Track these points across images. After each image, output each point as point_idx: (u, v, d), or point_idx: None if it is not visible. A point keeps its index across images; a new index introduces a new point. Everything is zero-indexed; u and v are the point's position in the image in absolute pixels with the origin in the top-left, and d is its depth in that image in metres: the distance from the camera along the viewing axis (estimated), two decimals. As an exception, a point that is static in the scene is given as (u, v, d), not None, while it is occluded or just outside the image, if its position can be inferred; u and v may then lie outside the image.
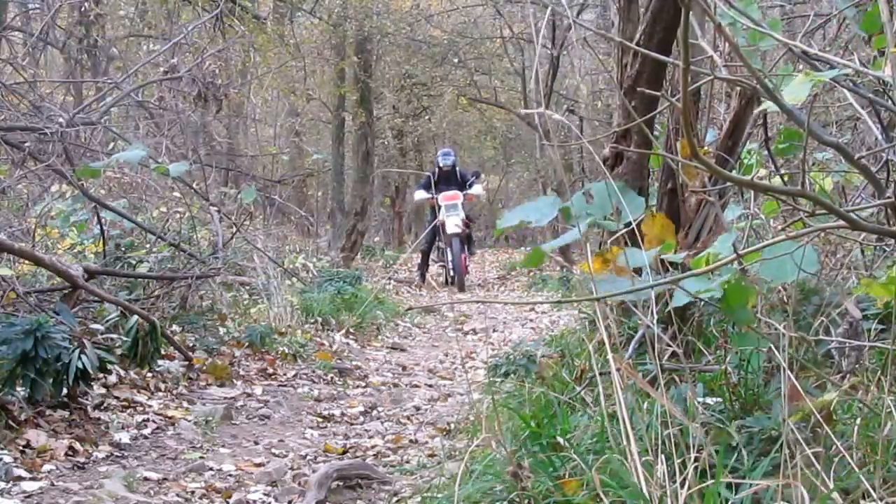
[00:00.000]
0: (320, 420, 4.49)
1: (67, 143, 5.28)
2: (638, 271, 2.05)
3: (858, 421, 2.05)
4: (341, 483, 3.29)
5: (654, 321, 2.12)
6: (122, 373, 4.31)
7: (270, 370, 5.36)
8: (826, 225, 1.89)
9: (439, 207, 11.39)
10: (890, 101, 2.48)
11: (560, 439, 2.48)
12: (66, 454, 3.30)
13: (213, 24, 8.35)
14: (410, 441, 4.06)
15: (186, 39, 7.23)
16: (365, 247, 13.38)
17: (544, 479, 2.32)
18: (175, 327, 5.37)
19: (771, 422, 2.19)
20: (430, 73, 15.26)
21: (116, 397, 4.09)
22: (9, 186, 5.57)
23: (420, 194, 12.07)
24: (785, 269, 1.99)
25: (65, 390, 3.67)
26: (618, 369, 2.06)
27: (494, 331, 7.87)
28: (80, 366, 3.60)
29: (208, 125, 10.14)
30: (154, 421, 3.95)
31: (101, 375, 4.02)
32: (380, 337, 7.39)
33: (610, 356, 2.07)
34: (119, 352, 4.34)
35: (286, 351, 5.75)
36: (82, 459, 3.33)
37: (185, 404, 4.30)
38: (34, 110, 5.62)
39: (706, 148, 3.05)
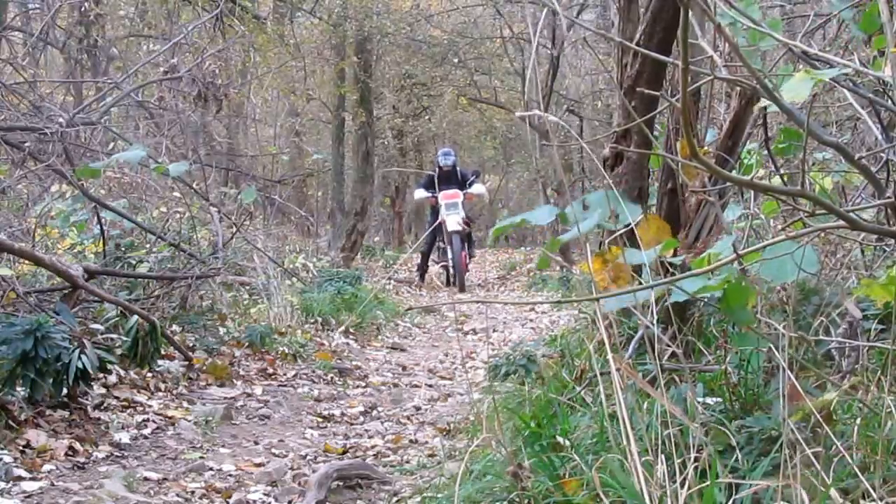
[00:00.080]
0: (320, 420, 4.49)
1: (67, 143, 5.28)
2: (637, 272, 2.05)
3: (858, 421, 2.05)
4: (341, 483, 3.29)
5: (654, 321, 2.12)
6: (122, 373, 4.31)
7: (270, 370, 5.36)
8: (826, 225, 1.89)
9: (439, 206, 11.39)
10: (890, 101, 2.48)
11: (560, 439, 2.48)
12: (66, 454, 3.30)
13: (213, 24, 8.35)
14: (410, 441, 4.06)
15: (186, 39, 7.23)
16: (365, 247, 13.38)
17: (544, 479, 2.32)
18: (175, 327, 5.37)
19: (771, 422, 2.19)
20: (430, 73, 15.26)
21: (116, 397, 4.09)
22: (9, 186, 5.57)
23: (420, 193, 12.06)
24: (785, 269, 1.99)
25: (65, 390, 3.67)
26: (618, 369, 2.06)
27: (494, 331, 7.87)
28: (80, 366, 3.60)
29: (208, 125, 10.14)
30: (154, 421, 3.95)
31: (101, 375, 4.02)
32: (380, 337, 7.39)
33: (610, 356, 2.07)
34: (119, 352, 4.34)
35: (286, 351, 5.75)
36: (82, 459, 3.33)
37: (185, 404, 4.30)
38: (34, 110, 5.62)
39: (706, 148, 3.05)
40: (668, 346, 2.61)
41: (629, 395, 2.13)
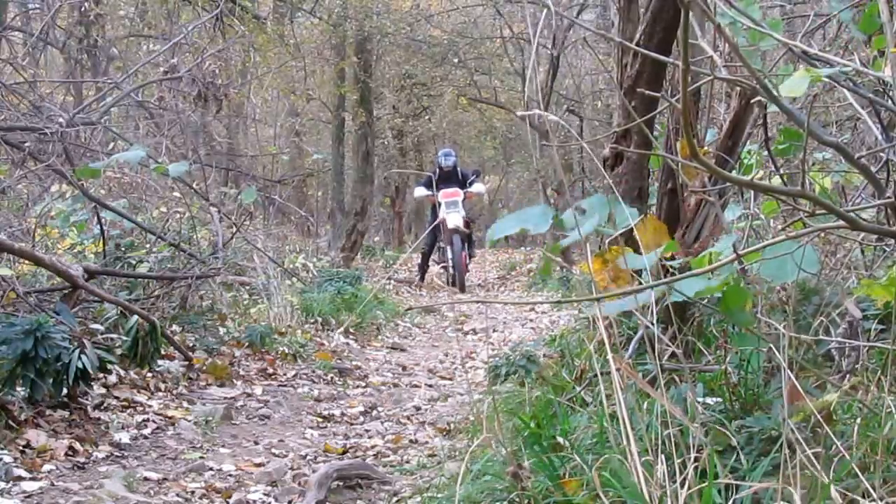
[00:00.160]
0: (320, 420, 4.49)
1: (67, 143, 5.28)
2: (637, 272, 2.05)
3: (858, 421, 2.05)
4: (341, 483, 3.29)
5: (654, 321, 2.12)
6: (122, 373, 4.31)
7: (270, 370, 5.36)
8: (826, 225, 1.89)
9: (439, 205, 11.38)
10: (890, 101, 2.48)
11: (560, 439, 2.48)
12: (66, 454, 3.30)
13: (213, 24, 8.35)
14: (410, 441, 4.06)
15: (186, 39, 7.23)
16: (365, 247, 13.38)
17: (544, 479, 2.32)
18: (175, 327, 5.37)
19: (771, 422, 2.19)
20: (430, 73, 15.26)
21: (116, 397, 4.09)
22: (9, 186, 5.57)
23: (420, 191, 12.04)
24: (785, 269, 1.99)
25: (65, 390, 3.67)
26: (618, 369, 2.05)
27: (494, 331, 7.87)
28: (80, 366, 3.60)
29: (208, 125, 10.14)
30: (154, 421, 3.95)
31: (101, 375, 4.02)
32: (380, 337, 7.39)
33: (610, 356, 2.07)
34: (119, 352, 4.34)
35: (286, 351, 5.75)
36: (82, 459, 3.33)
37: (185, 404, 4.30)
38: (34, 110, 5.62)
39: (706, 148, 3.05)
40: (668, 346, 2.61)
41: (629, 395, 2.13)
